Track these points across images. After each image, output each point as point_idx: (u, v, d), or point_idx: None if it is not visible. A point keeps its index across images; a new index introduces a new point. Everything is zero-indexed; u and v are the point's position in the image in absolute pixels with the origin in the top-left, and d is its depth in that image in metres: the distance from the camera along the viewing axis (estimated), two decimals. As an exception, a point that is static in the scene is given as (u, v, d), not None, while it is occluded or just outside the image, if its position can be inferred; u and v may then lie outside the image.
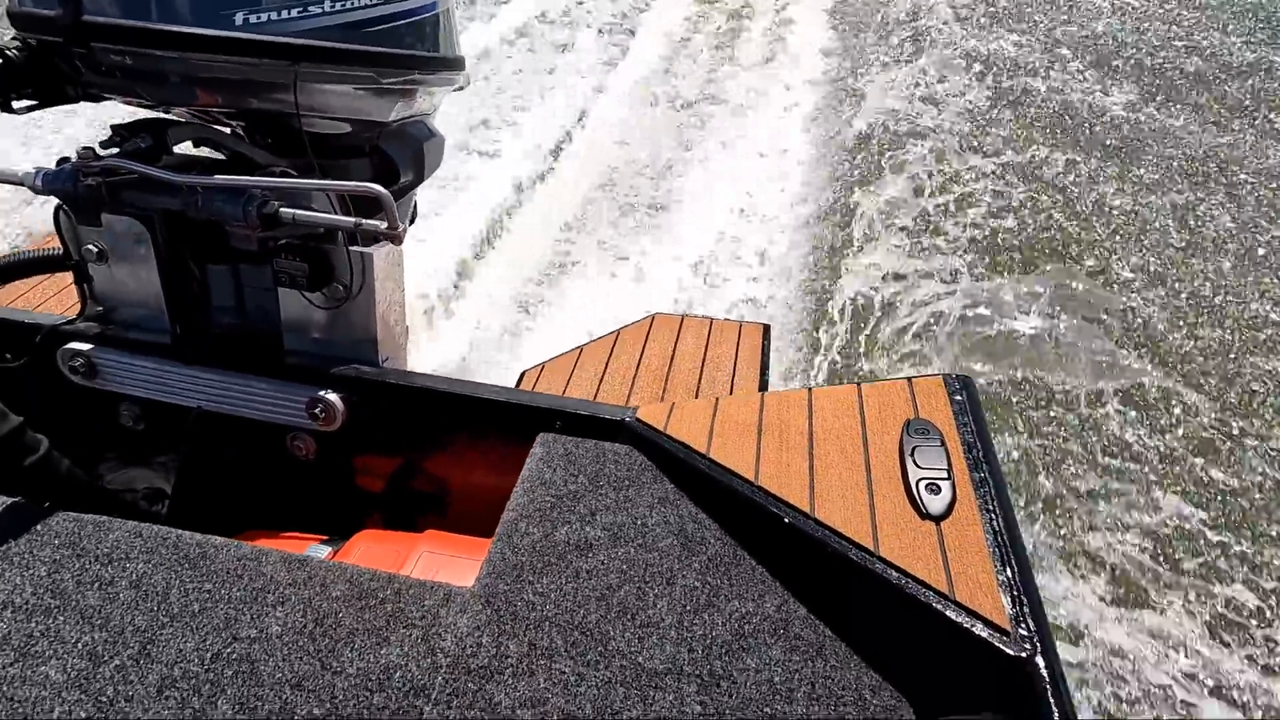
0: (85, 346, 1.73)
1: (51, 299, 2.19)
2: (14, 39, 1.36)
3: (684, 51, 7.82)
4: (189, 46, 1.30)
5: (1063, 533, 3.09)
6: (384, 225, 1.40)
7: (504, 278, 4.33)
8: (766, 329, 2.24)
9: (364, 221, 1.41)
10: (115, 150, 1.44)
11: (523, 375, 2.18)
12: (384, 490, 1.82)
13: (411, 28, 1.63)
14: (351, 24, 1.48)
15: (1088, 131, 6.43)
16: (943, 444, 1.29)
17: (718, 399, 1.50)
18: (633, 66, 7.29)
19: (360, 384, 1.62)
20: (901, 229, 5.11)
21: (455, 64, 1.84)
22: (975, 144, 6.10)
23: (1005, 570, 1.07)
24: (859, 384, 1.49)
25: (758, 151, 6.08)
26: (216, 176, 1.41)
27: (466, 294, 4.14)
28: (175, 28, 1.28)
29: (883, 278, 4.65)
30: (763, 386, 2.08)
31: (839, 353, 4.14)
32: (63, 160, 1.56)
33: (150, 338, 1.74)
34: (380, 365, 1.68)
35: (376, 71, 1.58)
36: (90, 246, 1.67)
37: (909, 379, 1.46)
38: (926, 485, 1.22)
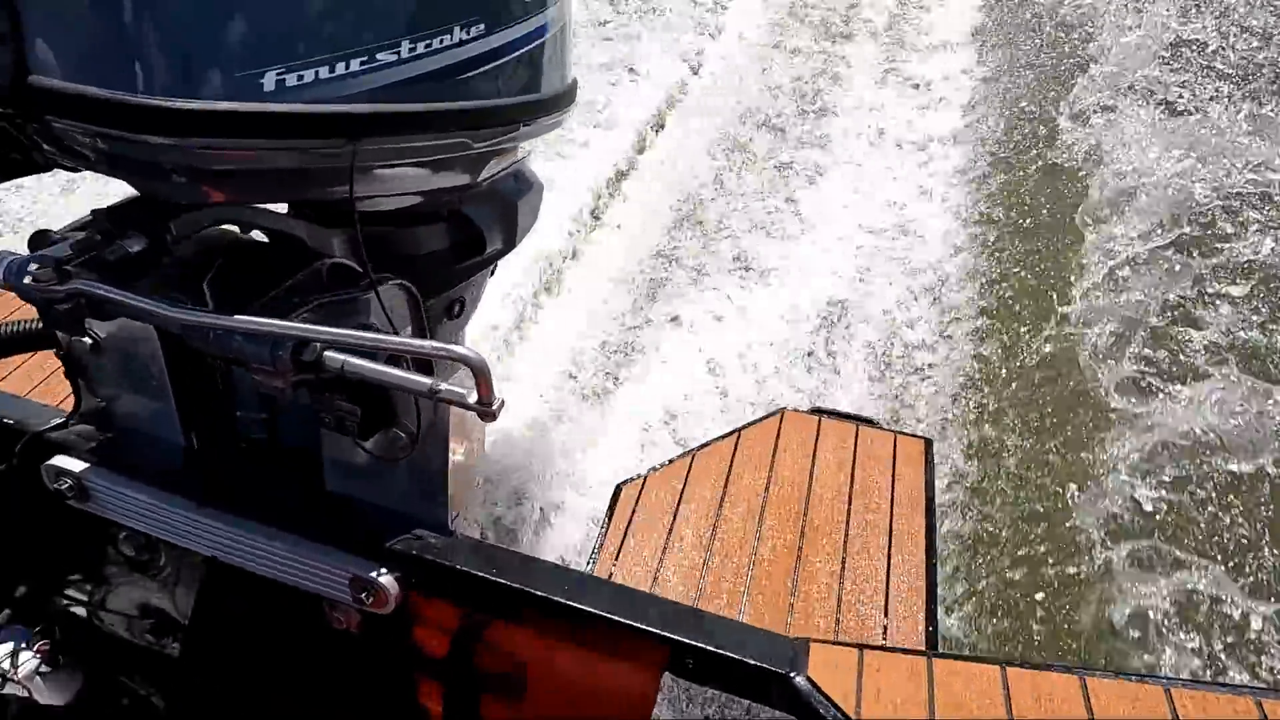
0: (75, 466, 1.33)
1: (53, 373, 1.78)
2: None
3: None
4: (192, 128, 0.83)
5: None
6: (472, 396, 0.94)
7: (592, 296, 3.74)
8: (929, 445, 1.75)
9: (443, 387, 0.95)
10: (90, 254, 0.98)
11: (619, 491, 1.73)
12: (446, 657, 1.41)
13: (516, 66, 1.14)
14: (433, 75, 0.99)
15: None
16: None
17: (937, 663, 1.02)
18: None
19: (422, 564, 1.18)
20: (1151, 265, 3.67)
21: (566, 98, 1.35)
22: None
23: None
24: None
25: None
26: (236, 317, 0.95)
27: (542, 318, 3.57)
28: (166, 102, 0.81)
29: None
30: (930, 524, 1.61)
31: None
32: (38, 238, 1.11)
33: (156, 458, 1.33)
34: (450, 529, 1.24)
35: (468, 136, 1.10)
36: (82, 336, 1.25)
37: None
38: None
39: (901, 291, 3.95)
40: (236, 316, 0.94)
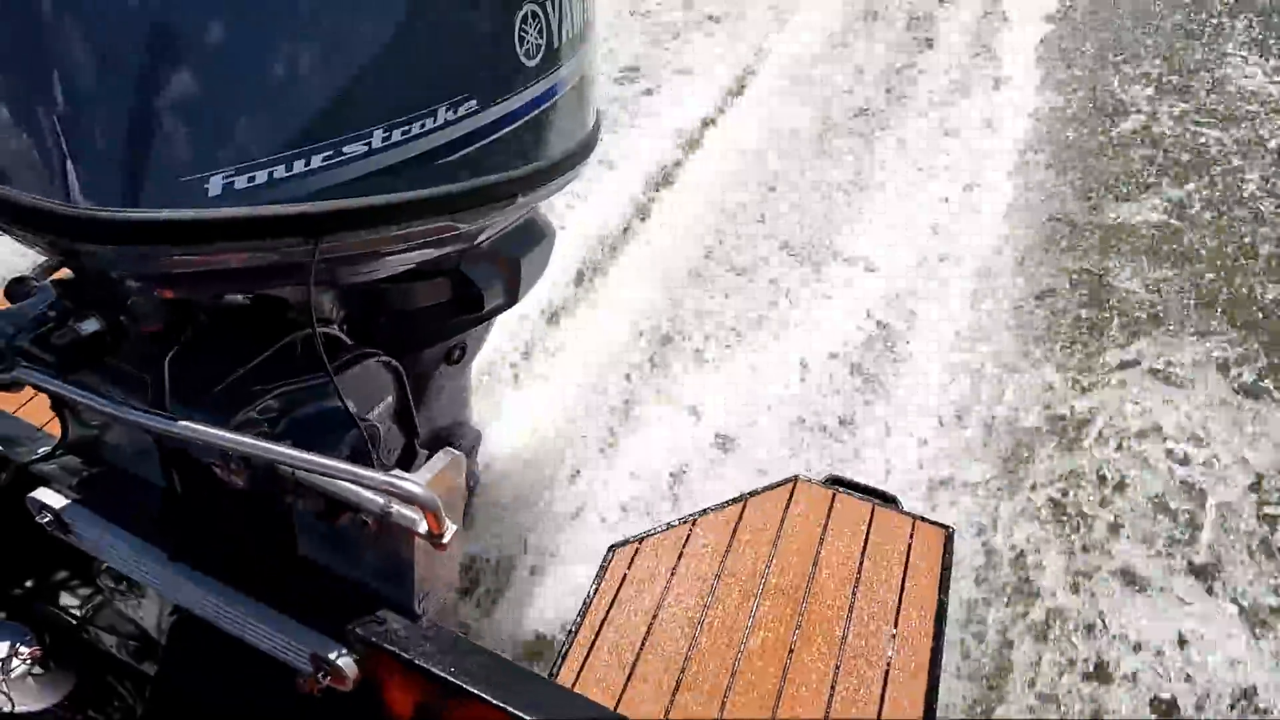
0: (56, 502, 1.32)
1: None
2: None
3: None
4: (131, 238, 0.76)
5: None
6: (422, 526, 0.87)
7: (610, 319, 3.52)
8: (950, 536, 1.62)
9: (394, 510, 0.89)
10: (40, 331, 0.93)
11: (611, 553, 1.65)
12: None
13: (516, 137, 1.03)
14: (411, 162, 0.89)
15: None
16: None
17: None
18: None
19: (381, 650, 1.14)
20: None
21: (579, 154, 1.23)
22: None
23: None
24: None
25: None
26: (180, 423, 0.88)
27: (553, 349, 3.37)
28: (100, 212, 0.73)
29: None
30: (938, 630, 1.50)
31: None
32: (13, 286, 1.07)
33: (136, 500, 1.31)
34: (416, 613, 1.19)
35: (454, 220, 1.00)
36: None
37: None
38: None
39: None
40: (180, 423, 0.88)
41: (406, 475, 0.86)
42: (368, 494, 0.91)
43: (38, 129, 0.71)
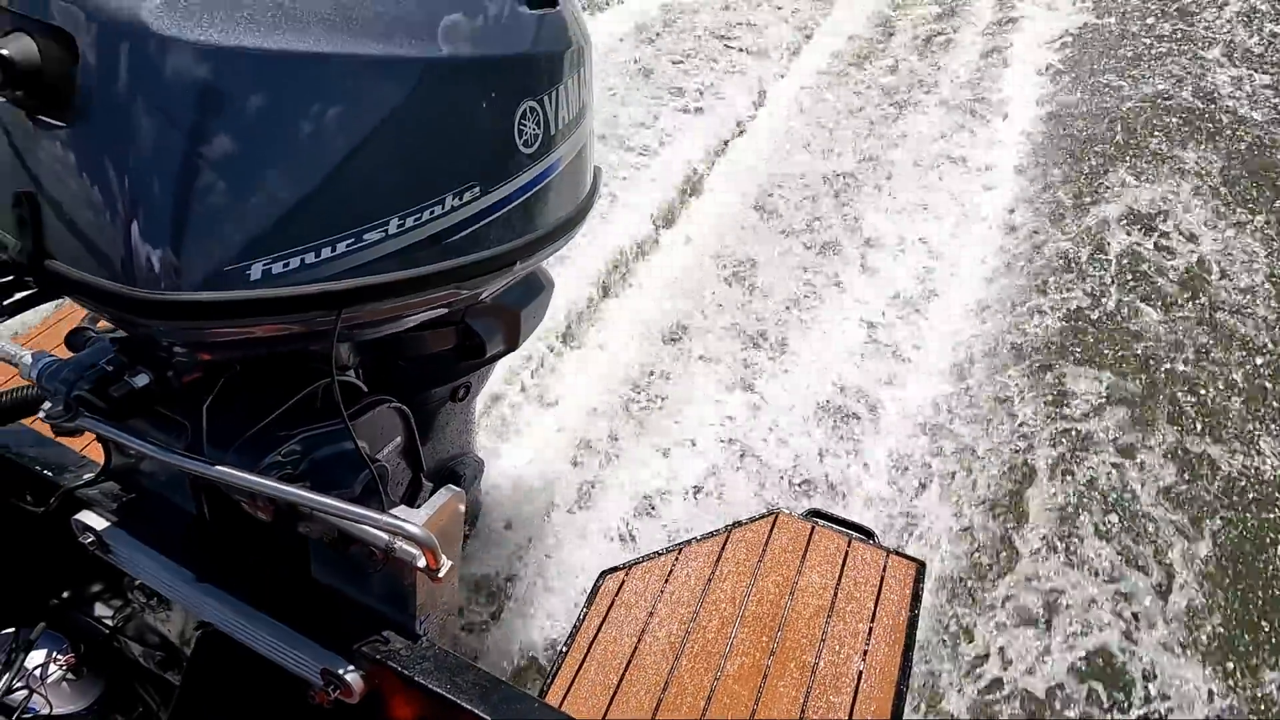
0: (97, 523, 1.46)
1: None
2: None
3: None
4: (181, 315, 0.90)
5: None
6: (420, 561, 1.00)
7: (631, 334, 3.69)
8: (921, 568, 1.73)
9: (398, 545, 1.02)
10: (98, 384, 1.07)
11: (602, 578, 1.77)
12: None
13: (516, 213, 1.17)
14: (421, 244, 1.03)
15: None
16: None
17: None
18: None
19: (385, 667, 1.27)
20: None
21: (577, 218, 1.37)
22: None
23: None
24: None
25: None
26: (216, 468, 1.02)
27: (574, 361, 3.55)
28: (156, 295, 0.87)
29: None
30: (905, 660, 1.60)
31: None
32: (74, 336, 1.22)
33: (169, 525, 1.44)
34: (418, 635, 1.31)
35: (460, 287, 1.14)
36: None
37: None
38: None
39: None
40: (216, 468, 1.01)
41: (407, 517, 0.99)
42: (374, 530, 1.04)
43: (112, 228, 0.85)
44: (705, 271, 4.30)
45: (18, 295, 0.96)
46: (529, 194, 1.18)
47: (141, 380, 1.06)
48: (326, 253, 0.94)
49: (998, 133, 5.71)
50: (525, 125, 1.12)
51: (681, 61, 6.34)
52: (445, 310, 1.27)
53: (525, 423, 3.20)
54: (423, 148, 0.99)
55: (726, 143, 5.47)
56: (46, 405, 1.05)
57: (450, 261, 1.08)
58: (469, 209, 1.07)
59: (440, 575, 1.01)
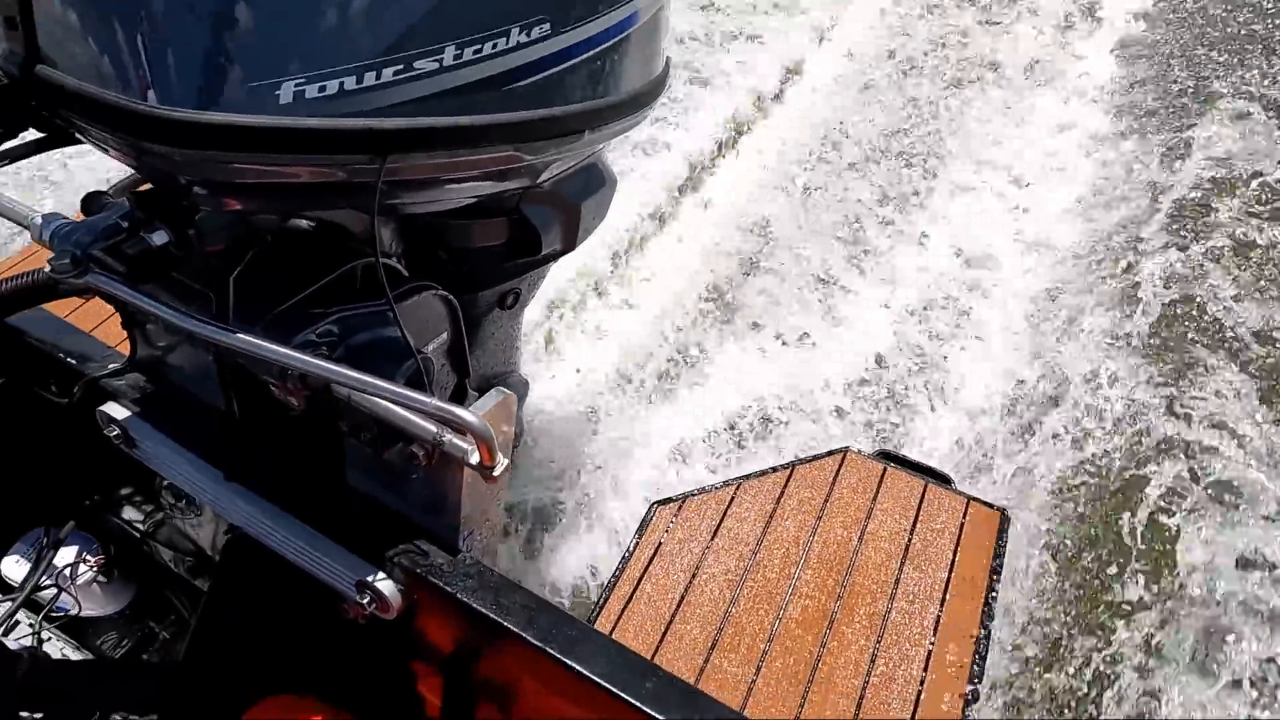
0: (122, 414, 1.36)
1: None
2: None
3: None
4: (201, 141, 0.75)
5: None
6: (474, 456, 0.86)
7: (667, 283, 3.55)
8: (1005, 518, 1.56)
9: (447, 439, 0.88)
10: (112, 242, 0.94)
11: (653, 509, 1.64)
12: (444, 666, 1.40)
13: (586, 68, 1.00)
14: (480, 84, 0.87)
15: None
16: None
17: None
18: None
19: (424, 581, 1.15)
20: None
21: (649, 95, 1.20)
22: None
23: None
24: None
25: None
26: (240, 336, 0.89)
27: (613, 292, 3.42)
28: (172, 113, 0.73)
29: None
30: (986, 612, 1.45)
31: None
32: (90, 200, 1.09)
33: (197, 421, 1.34)
34: (459, 549, 1.19)
35: (519, 150, 0.98)
36: None
37: None
38: None
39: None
40: (240, 335, 0.88)
41: (460, 406, 0.85)
42: (421, 421, 0.90)
43: (118, 28, 0.71)
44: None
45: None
46: (603, 46, 1.01)
47: (160, 238, 0.93)
48: (370, 79, 0.79)
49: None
50: None
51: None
52: (500, 186, 1.12)
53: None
54: None
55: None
56: (51, 257, 0.93)
57: (512, 114, 0.93)
58: (537, 50, 0.91)
59: (495, 474, 0.87)
